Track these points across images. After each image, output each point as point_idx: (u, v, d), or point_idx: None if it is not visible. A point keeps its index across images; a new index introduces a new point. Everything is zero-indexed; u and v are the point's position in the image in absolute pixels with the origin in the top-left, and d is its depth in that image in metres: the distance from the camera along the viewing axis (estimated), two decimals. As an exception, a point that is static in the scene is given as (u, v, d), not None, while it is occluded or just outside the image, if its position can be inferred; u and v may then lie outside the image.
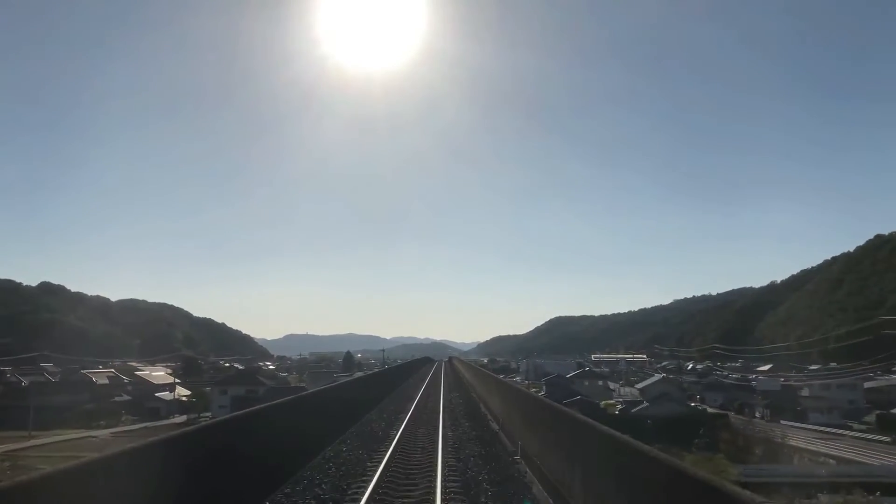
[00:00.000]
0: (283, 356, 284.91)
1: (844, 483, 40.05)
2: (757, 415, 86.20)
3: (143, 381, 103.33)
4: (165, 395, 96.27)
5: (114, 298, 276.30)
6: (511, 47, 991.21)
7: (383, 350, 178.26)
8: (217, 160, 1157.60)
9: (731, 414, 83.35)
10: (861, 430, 72.25)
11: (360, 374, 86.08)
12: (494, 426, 21.38)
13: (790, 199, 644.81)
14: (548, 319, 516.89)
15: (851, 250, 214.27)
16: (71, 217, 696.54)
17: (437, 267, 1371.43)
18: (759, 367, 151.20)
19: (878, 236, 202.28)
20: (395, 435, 17.75)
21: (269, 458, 11.35)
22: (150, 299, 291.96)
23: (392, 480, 12.21)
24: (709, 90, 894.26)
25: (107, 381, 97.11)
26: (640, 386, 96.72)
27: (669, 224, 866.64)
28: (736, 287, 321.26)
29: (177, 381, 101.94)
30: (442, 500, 10.27)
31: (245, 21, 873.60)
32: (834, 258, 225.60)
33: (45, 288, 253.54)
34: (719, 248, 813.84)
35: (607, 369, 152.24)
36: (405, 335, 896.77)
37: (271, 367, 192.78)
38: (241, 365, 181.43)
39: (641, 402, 78.67)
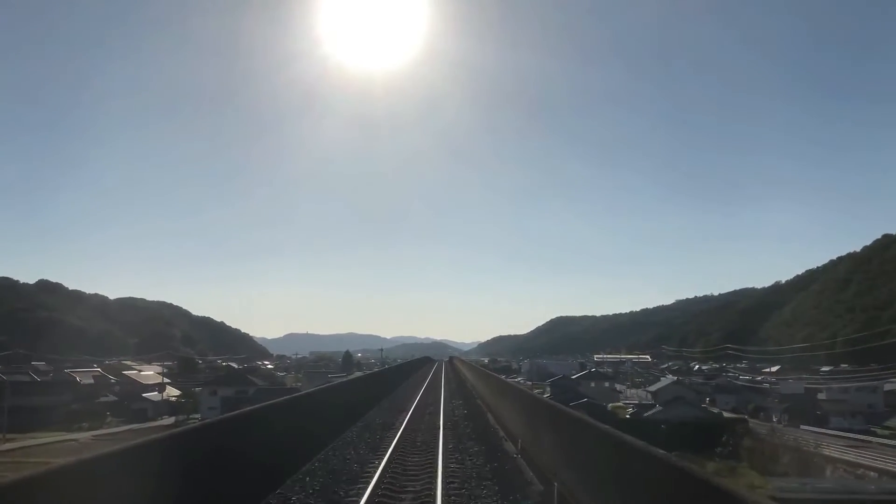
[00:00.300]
0: (283, 355, 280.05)
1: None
2: (773, 419, 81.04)
3: (131, 381, 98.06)
4: (153, 395, 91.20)
5: (112, 297, 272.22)
6: (512, 47, 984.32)
7: (381, 349, 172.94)
8: (218, 160, 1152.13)
9: (747, 418, 78.27)
10: (885, 436, 66.99)
11: (358, 373, 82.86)
12: (510, 449, 16.15)
13: (791, 200, 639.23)
14: (548, 319, 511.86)
15: (858, 250, 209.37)
16: (70, 215, 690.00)
17: (438, 267, 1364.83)
18: (764, 368, 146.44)
19: (886, 236, 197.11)
20: (375, 472, 12.49)
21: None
22: (149, 298, 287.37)
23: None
24: (710, 90, 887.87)
25: (91, 381, 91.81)
26: (652, 388, 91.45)
27: (670, 224, 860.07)
28: (738, 287, 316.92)
29: (166, 380, 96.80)
30: None
31: (246, 21, 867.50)
32: (840, 258, 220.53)
33: (43, 286, 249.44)
34: (720, 248, 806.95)
35: (610, 370, 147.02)
36: (406, 335, 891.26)
37: (269, 366, 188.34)
38: (238, 364, 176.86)
39: (653, 405, 73.48)
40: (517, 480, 12.13)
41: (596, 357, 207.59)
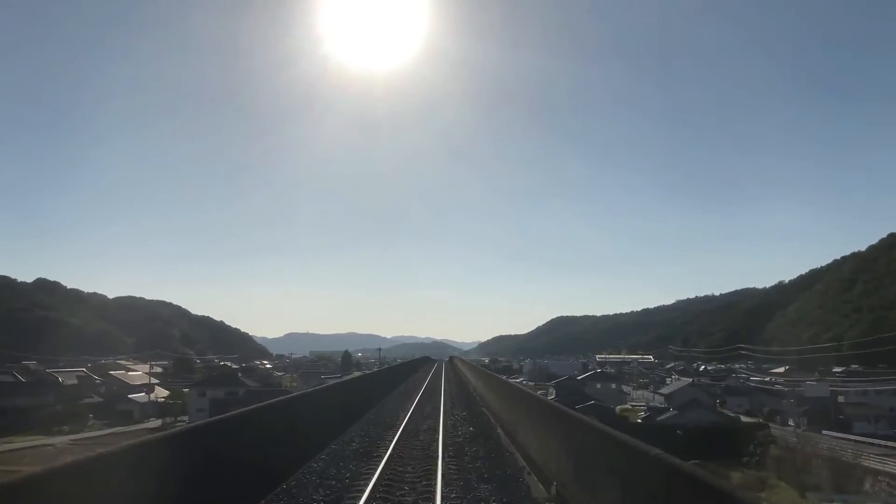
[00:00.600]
0: (282, 355, 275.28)
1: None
2: (791, 423, 75.88)
3: (118, 382, 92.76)
4: (140, 396, 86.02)
5: (111, 296, 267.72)
6: (513, 47, 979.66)
7: (380, 349, 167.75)
8: (218, 159, 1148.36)
9: (768, 423, 73.11)
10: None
11: (357, 373, 78.44)
12: (539, 494, 11.06)
13: (792, 200, 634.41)
14: (549, 319, 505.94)
15: (863, 249, 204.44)
16: (69, 214, 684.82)
17: (438, 266, 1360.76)
18: (770, 368, 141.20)
19: (892, 235, 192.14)
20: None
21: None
22: (148, 297, 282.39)
23: None
24: (711, 89, 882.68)
25: (75, 381, 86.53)
26: (665, 391, 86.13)
27: (671, 224, 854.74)
28: (739, 288, 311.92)
29: (154, 381, 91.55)
30: None
31: (246, 20, 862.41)
32: (844, 258, 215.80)
33: (41, 285, 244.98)
34: (721, 248, 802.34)
35: (613, 370, 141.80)
36: (406, 334, 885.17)
37: (268, 366, 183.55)
38: (235, 364, 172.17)
39: (667, 408, 68.30)
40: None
41: (598, 357, 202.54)
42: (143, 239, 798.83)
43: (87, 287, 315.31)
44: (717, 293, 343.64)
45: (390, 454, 14.30)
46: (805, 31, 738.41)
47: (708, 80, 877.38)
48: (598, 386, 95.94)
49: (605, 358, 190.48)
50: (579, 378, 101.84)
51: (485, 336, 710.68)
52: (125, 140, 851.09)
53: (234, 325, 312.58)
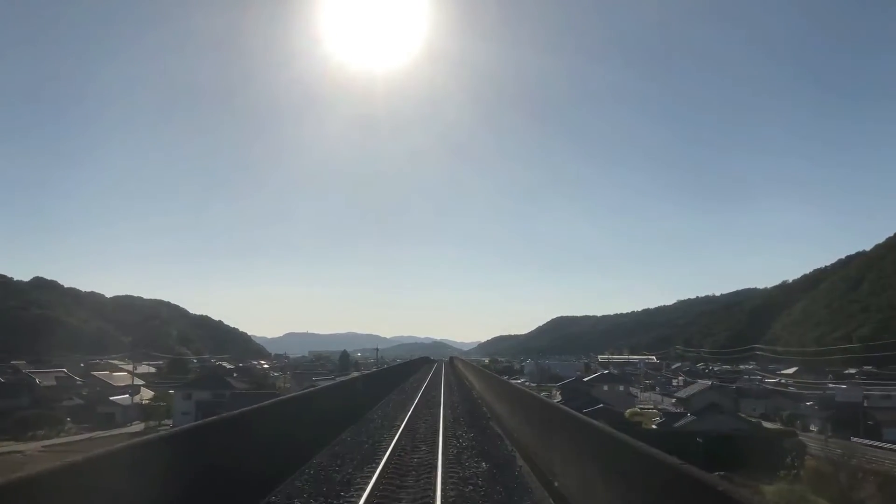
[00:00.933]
0: (281, 354, 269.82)
1: None
2: (812, 428, 70.25)
3: (101, 383, 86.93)
4: (124, 398, 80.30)
5: (109, 295, 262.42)
6: (514, 45, 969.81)
7: (377, 349, 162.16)
8: (218, 158, 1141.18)
9: (784, 428, 67.41)
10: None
11: (355, 373, 73.72)
12: None
13: (793, 199, 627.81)
14: (549, 319, 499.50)
15: (869, 249, 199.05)
16: (67, 212, 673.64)
17: (439, 266, 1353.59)
18: (775, 370, 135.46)
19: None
20: None
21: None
22: (147, 296, 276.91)
23: None
24: (714, 88, 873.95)
25: (53, 383, 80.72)
26: (682, 394, 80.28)
27: (672, 223, 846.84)
28: (740, 288, 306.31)
29: (140, 381, 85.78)
30: None
31: (247, 19, 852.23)
32: (849, 257, 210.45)
33: (38, 283, 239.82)
34: (722, 248, 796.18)
35: (616, 371, 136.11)
36: (406, 335, 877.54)
37: (265, 366, 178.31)
38: (232, 363, 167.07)
39: (684, 413, 62.59)
40: None
41: (600, 358, 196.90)
42: (142, 238, 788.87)
43: (84, 286, 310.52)
44: (717, 293, 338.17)
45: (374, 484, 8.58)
46: (809, 28, 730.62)
47: (710, 79, 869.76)
48: (605, 388, 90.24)
49: (608, 358, 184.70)
50: (585, 380, 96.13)
51: (485, 336, 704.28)
52: (124, 138, 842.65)
53: (233, 325, 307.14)
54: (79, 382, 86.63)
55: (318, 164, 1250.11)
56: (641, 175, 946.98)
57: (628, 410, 77.41)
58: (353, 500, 10.30)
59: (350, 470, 12.79)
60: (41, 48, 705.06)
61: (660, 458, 5.85)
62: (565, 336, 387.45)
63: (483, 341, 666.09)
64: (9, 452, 59.79)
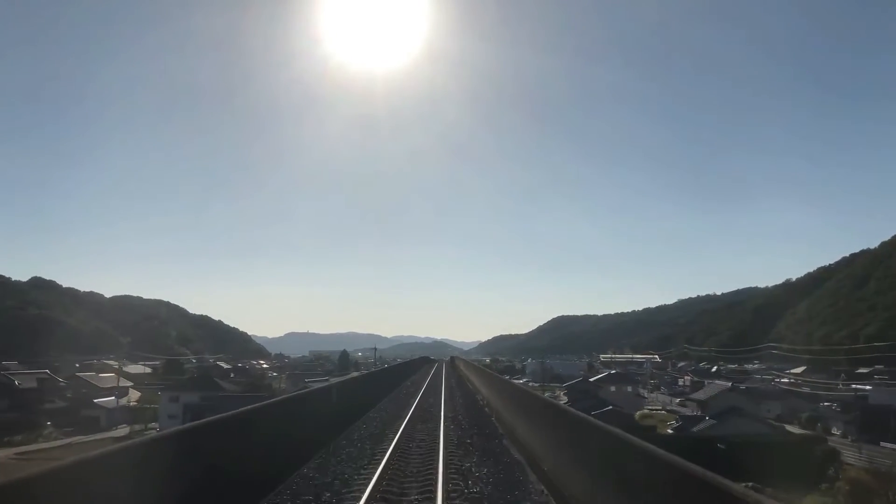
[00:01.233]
0: (281, 354, 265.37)
1: None
2: (835, 431, 65.56)
3: (87, 384, 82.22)
4: (110, 400, 75.66)
5: (108, 295, 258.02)
6: (514, 46, 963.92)
7: (375, 348, 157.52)
8: (218, 158, 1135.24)
9: (811, 433, 62.70)
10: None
11: (355, 373, 71.10)
12: None
13: (794, 199, 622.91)
14: (550, 319, 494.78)
15: (875, 246, 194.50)
16: (66, 212, 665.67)
17: (439, 266, 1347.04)
18: (781, 369, 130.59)
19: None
20: None
21: None
22: (146, 296, 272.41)
23: None
24: (714, 87, 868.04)
25: (35, 385, 76.07)
26: (699, 396, 75.43)
27: (672, 223, 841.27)
28: (741, 287, 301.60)
29: (127, 382, 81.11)
30: None
31: (247, 19, 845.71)
32: (853, 255, 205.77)
33: (36, 283, 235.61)
34: (723, 247, 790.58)
35: (619, 370, 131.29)
36: (406, 334, 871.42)
37: (264, 365, 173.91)
38: (228, 363, 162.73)
39: (703, 417, 57.84)
40: None
41: (602, 357, 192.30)
42: (142, 237, 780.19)
43: (83, 286, 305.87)
44: (718, 293, 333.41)
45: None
46: (809, 28, 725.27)
47: (710, 79, 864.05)
48: (613, 389, 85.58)
49: (611, 358, 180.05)
50: (591, 380, 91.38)
51: (485, 336, 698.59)
52: (124, 138, 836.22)
53: (233, 325, 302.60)
54: (62, 384, 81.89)
55: (318, 164, 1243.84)
56: (641, 175, 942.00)
57: (638, 412, 72.83)
58: None
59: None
60: (41, 48, 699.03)
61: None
62: (566, 335, 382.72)
63: (483, 341, 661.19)
64: (-21, 460, 55.11)
